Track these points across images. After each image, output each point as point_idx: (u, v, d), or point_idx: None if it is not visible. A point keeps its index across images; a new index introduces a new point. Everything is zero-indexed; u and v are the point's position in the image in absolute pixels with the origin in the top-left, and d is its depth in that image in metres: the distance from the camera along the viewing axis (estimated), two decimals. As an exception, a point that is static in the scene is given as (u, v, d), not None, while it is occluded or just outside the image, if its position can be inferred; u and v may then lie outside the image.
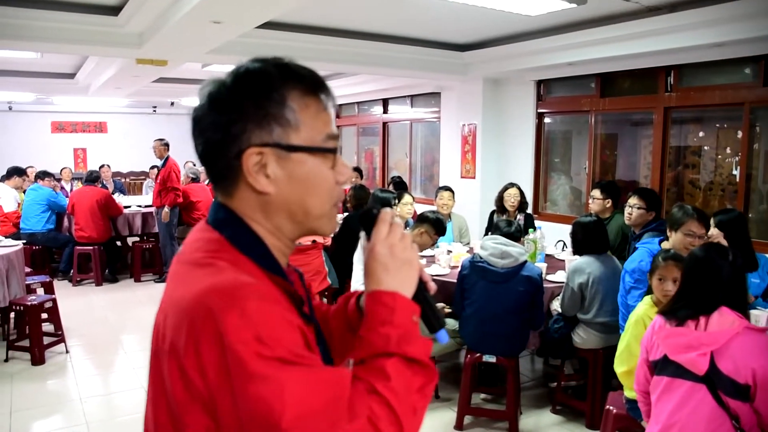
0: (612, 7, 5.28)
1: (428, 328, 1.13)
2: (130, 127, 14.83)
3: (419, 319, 1.07)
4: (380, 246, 1.07)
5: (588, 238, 4.08)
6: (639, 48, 5.50)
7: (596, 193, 5.09)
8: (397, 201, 5.31)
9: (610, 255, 4.16)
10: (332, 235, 6.41)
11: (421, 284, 1.11)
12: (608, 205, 5.06)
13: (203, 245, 1.03)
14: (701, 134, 6.28)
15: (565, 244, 5.71)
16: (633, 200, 4.46)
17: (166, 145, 8.29)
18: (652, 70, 6.08)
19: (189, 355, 0.91)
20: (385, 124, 10.46)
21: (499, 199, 6.00)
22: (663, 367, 2.46)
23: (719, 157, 6.05)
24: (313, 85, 1.07)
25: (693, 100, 5.89)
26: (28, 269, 6.37)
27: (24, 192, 8.48)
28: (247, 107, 1.01)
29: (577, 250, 4.17)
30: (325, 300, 6.88)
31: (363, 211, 1.14)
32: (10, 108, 13.11)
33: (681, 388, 2.38)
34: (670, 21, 5.11)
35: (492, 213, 6.23)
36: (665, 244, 3.62)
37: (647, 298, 3.16)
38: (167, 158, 8.15)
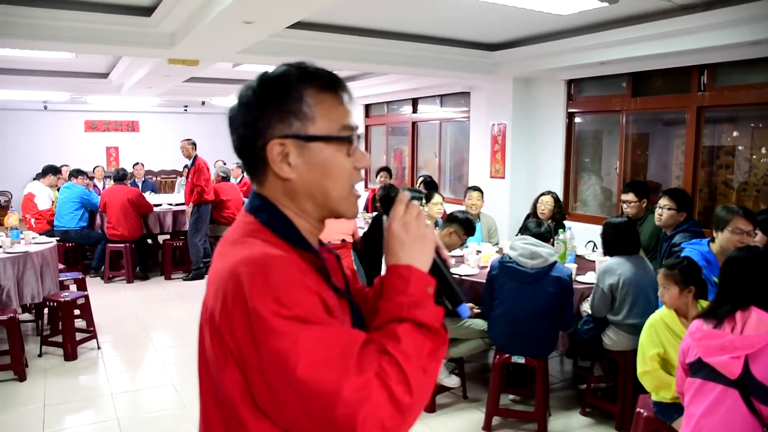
0: (644, 6, 5.21)
1: (449, 301, 1.20)
2: (161, 126, 15.03)
3: (435, 292, 1.15)
4: (396, 224, 1.18)
5: (619, 238, 4.03)
6: (672, 47, 5.41)
7: (630, 197, 4.96)
8: (425, 201, 5.28)
9: (641, 256, 4.10)
10: (362, 235, 6.43)
11: (439, 259, 1.20)
12: (643, 206, 4.98)
13: (242, 227, 1.18)
14: (735, 134, 6.15)
15: (595, 244, 5.64)
16: (663, 201, 4.39)
17: (194, 144, 8.37)
18: (684, 69, 5.97)
19: (223, 319, 1.04)
20: (414, 123, 10.44)
21: (533, 205, 5.88)
22: (697, 369, 2.43)
23: (754, 157, 5.93)
24: (329, 83, 1.19)
25: (727, 100, 5.77)
26: (61, 266, 6.49)
27: (58, 190, 8.64)
28: (270, 105, 1.15)
29: (608, 250, 4.11)
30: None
31: (383, 194, 1.26)
32: (45, 107, 13.37)
33: (713, 391, 2.34)
34: (703, 19, 5.01)
35: (527, 216, 6.15)
36: (714, 246, 3.58)
37: None
38: (195, 157, 8.23)
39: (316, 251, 1.17)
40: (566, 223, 5.92)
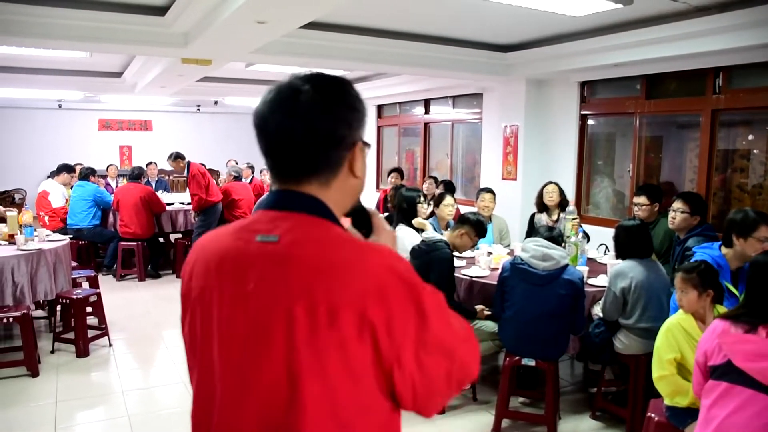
0: (659, 8, 5.17)
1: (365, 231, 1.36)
2: (174, 126, 15.10)
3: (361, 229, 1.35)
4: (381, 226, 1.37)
5: (631, 242, 4.00)
6: (687, 49, 5.37)
7: (642, 200, 4.93)
8: (421, 199, 5.28)
9: (654, 260, 4.08)
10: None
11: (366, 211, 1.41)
12: (655, 209, 4.95)
13: (320, 223, 1.21)
14: (750, 137, 6.10)
15: (607, 247, 5.61)
16: (677, 204, 4.36)
17: (179, 157, 8.46)
18: (699, 71, 5.93)
19: (380, 318, 1.13)
20: (426, 124, 10.43)
21: (539, 197, 6.05)
22: (724, 372, 2.39)
23: (769, 160, 5.89)
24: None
25: (742, 103, 5.73)
26: (74, 263, 6.54)
27: (71, 188, 8.70)
28: (359, 110, 1.26)
29: (621, 254, 4.09)
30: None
31: (358, 209, 1.35)
32: (60, 106, 13.46)
33: (740, 395, 2.31)
34: (719, 21, 4.98)
35: (532, 215, 6.17)
36: (725, 250, 3.53)
37: None
38: (188, 164, 8.29)
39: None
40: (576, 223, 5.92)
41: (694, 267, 3.13)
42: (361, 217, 1.31)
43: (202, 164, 11.38)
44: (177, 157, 8.52)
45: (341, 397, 1.11)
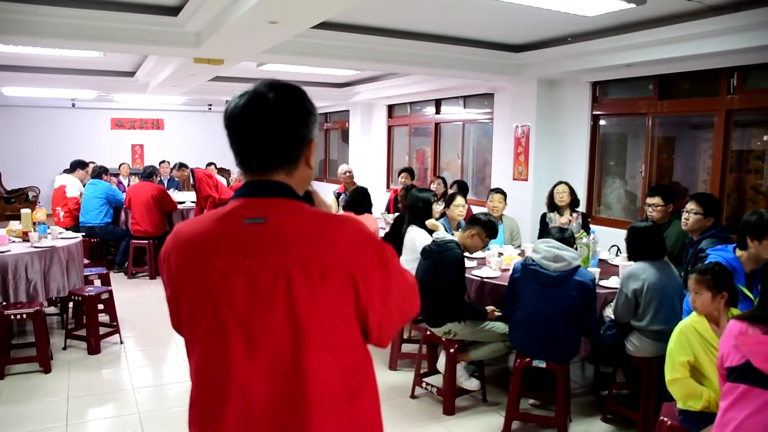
0: (672, 7, 5.14)
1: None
2: (186, 125, 15.17)
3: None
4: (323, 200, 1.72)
5: (644, 243, 3.98)
6: (700, 49, 5.33)
7: (657, 200, 4.90)
8: (435, 198, 5.26)
9: (666, 261, 4.05)
10: (383, 236, 6.43)
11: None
12: (669, 210, 4.92)
13: (299, 205, 1.48)
14: (766, 138, 6.05)
15: (618, 249, 5.59)
16: (690, 205, 4.32)
17: (182, 166, 8.53)
18: (713, 71, 5.88)
19: (359, 268, 1.45)
20: (437, 124, 10.42)
21: (550, 197, 6.04)
22: (743, 374, 2.35)
23: (784, 162, 5.84)
24: None
25: (757, 103, 5.67)
26: (86, 261, 6.57)
27: (84, 186, 8.76)
28: (315, 115, 1.53)
29: (632, 255, 4.06)
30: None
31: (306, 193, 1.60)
32: (73, 105, 13.56)
33: (759, 398, 2.28)
34: (734, 21, 4.93)
35: (543, 215, 6.15)
36: (740, 253, 3.48)
37: None
38: (192, 172, 8.36)
39: None
40: (590, 226, 5.90)
41: (708, 268, 3.09)
42: (306, 197, 1.57)
43: (212, 163, 11.47)
44: (181, 166, 8.60)
45: (335, 337, 1.43)
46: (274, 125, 1.44)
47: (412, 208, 5.19)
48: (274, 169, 1.47)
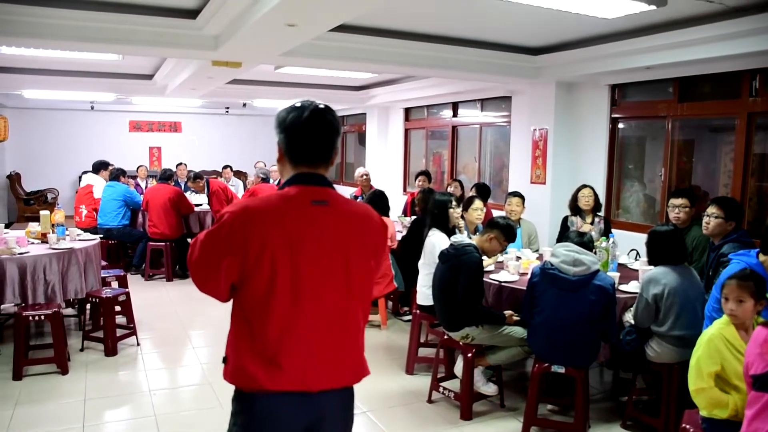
0: (694, 9, 5.07)
1: None
2: (203, 127, 15.24)
3: None
4: None
5: (665, 247, 3.92)
6: (722, 51, 5.25)
7: (684, 201, 4.84)
8: (453, 203, 5.20)
9: (687, 266, 3.99)
10: (400, 239, 6.42)
11: None
12: (692, 213, 4.85)
13: (334, 191, 2.02)
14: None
15: (638, 253, 5.52)
16: (711, 209, 4.25)
17: (198, 177, 8.60)
18: (735, 73, 5.80)
19: (379, 239, 2.12)
20: (454, 127, 10.38)
21: (573, 200, 5.97)
22: (767, 382, 2.31)
23: (808, 165, 5.73)
24: None
25: (781, 106, 5.59)
26: (103, 263, 6.61)
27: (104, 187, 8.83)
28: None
29: (653, 260, 4.01)
30: (390, 303, 6.88)
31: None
32: (92, 107, 13.66)
33: None
34: (756, 22, 4.85)
35: (565, 218, 6.08)
36: (763, 258, 3.40)
37: (724, 317, 3.00)
38: (207, 183, 8.43)
39: None
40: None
41: (747, 275, 2.96)
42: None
43: (229, 165, 11.50)
44: (196, 177, 8.64)
45: (367, 288, 2.06)
46: (329, 135, 1.98)
47: (431, 212, 5.16)
48: (321, 165, 1.99)
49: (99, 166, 9.03)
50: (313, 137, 1.96)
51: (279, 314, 1.87)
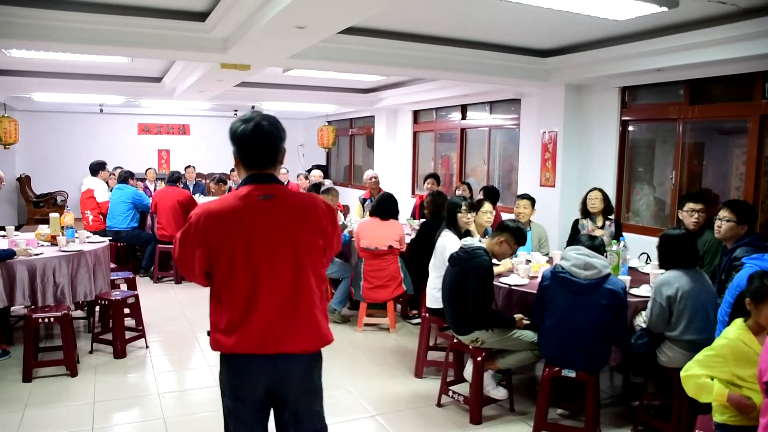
0: (705, 10, 5.03)
1: None
2: (211, 130, 15.25)
3: None
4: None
5: (676, 251, 3.88)
6: (734, 53, 5.21)
7: (702, 206, 4.81)
8: (463, 208, 5.16)
9: (699, 270, 3.95)
10: (409, 242, 6.39)
11: None
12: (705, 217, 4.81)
13: (284, 186, 2.46)
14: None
15: (648, 256, 5.48)
16: (723, 213, 4.20)
17: (221, 181, 8.60)
18: (747, 75, 5.75)
19: (325, 219, 2.46)
20: (463, 130, 10.36)
21: (584, 203, 5.90)
22: None
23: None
24: None
25: (793, 108, 5.54)
26: (113, 265, 6.61)
27: (111, 189, 8.85)
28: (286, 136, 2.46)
29: (664, 263, 3.97)
30: (399, 306, 6.85)
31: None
32: (101, 110, 13.70)
33: None
34: (768, 24, 4.82)
35: (575, 221, 6.04)
36: None
37: (739, 321, 2.96)
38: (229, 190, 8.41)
39: None
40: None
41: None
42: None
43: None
44: (219, 180, 8.62)
45: (318, 264, 2.45)
46: (272, 143, 2.39)
47: (445, 213, 5.15)
48: (268, 167, 2.42)
49: (97, 167, 8.99)
50: (259, 146, 2.38)
51: (240, 291, 2.32)
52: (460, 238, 4.68)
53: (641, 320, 4.19)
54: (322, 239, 2.43)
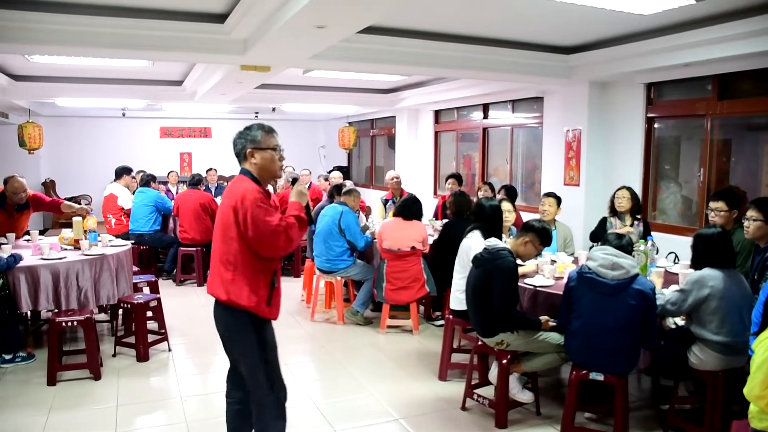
0: (733, 3, 4.92)
1: (309, 220, 3.14)
2: (233, 132, 15.19)
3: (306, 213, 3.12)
4: (294, 189, 3.19)
5: (711, 251, 3.76)
6: (764, 46, 5.09)
7: (720, 205, 4.65)
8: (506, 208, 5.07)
9: (736, 271, 3.82)
10: (431, 243, 6.33)
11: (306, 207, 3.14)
12: (733, 217, 4.64)
13: (241, 178, 3.13)
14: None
15: (676, 256, 5.36)
16: (750, 212, 4.07)
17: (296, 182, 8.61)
18: (778, 69, 5.61)
19: (239, 209, 2.97)
20: (485, 129, 10.27)
21: (612, 202, 5.79)
22: None
23: None
24: (269, 130, 3.16)
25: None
26: (135, 268, 6.63)
27: (133, 193, 8.88)
28: (248, 136, 3.17)
29: (697, 264, 3.85)
30: (422, 308, 6.79)
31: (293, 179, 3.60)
32: (124, 114, 13.82)
33: None
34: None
35: (603, 219, 5.91)
36: None
37: None
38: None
39: (265, 188, 3.10)
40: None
41: None
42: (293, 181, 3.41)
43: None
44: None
45: (224, 241, 3.05)
46: (234, 145, 3.19)
47: (487, 218, 4.89)
48: (241, 162, 3.16)
49: (121, 172, 9.05)
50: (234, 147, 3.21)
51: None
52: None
53: (671, 321, 4.08)
54: (236, 223, 3.01)
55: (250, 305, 3.04)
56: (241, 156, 3.12)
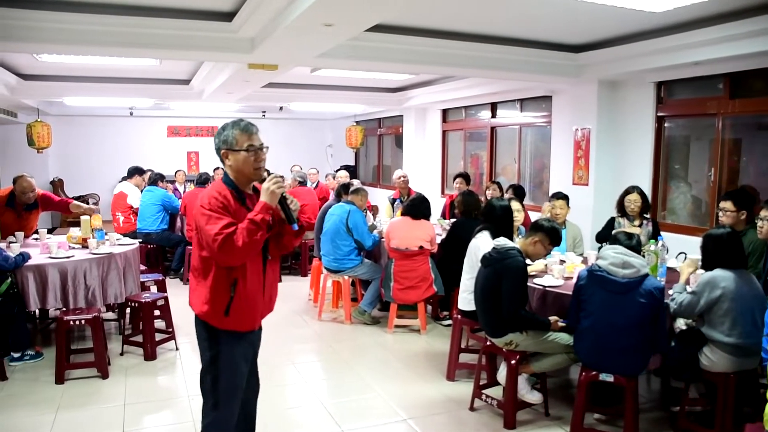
0: (745, 1, 4.86)
1: (288, 220, 2.92)
2: (240, 132, 15.30)
3: (283, 215, 2.93)
4: (264, 185, 2.85)
5: (721, 252, 3.72)
6: (776, 44, 5.04)
7: (728, 205, 4.59)
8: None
9: (747, 272, 3.78)
10: (439, 242, 6.30)
11: (284, 198, 2.88)
12: (742, 218, 4.59)
13: (217, 180, 3.06)
14: None
15: (686, 256, 5.30)
16: (764, 212, 4.03)
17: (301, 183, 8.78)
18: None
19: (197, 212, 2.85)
20: (493, 128, 10.23)
21: (620, 204, 5.71)
22: None
23: None
24: (244, 128, 2.90)
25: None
26: (143, 267, 6.63)
27: (142, 192, 8.90)
28: (222, 137, 2.94)
29: (708, 264, 3.81)
30: (430, 307, 6.76)
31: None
32: (131, 113, 13.84)
33: None
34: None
35: (612, 219, 5.87)
36: None
37: None
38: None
39: (240, 191, 2.94)
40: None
41: None
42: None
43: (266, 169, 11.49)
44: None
45: (194, 246, 2.97)
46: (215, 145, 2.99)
47: (498, 218, 4.81)
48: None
49: (133, 172, 9.08)
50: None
51: None
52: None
53: (682, 323, 4.04)
54: (196, 227, 2.90)
55: (202, 313, 2.90)
56: (219, 157, 2.92)
